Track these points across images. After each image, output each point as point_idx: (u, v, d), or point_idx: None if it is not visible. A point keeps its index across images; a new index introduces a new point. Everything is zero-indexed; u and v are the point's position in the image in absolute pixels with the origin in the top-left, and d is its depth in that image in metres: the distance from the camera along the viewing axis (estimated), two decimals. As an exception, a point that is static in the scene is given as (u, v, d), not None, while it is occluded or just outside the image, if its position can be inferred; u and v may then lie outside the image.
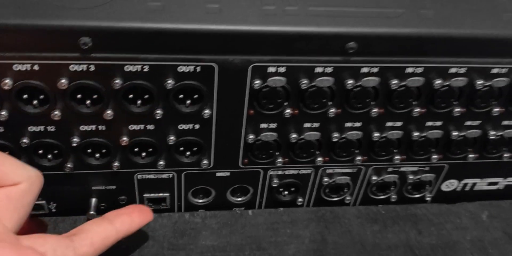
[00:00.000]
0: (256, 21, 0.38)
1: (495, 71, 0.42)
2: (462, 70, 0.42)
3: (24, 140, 0.41)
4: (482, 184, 0.54)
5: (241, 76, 0.40)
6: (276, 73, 0.40)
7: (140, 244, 0.46)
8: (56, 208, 0.48)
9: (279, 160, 0.47)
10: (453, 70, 0.42)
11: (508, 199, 0.56)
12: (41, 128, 0.41)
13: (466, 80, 0.42)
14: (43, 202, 0.47)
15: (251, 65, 0.39)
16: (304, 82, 0.40)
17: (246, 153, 0.46)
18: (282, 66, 0.39)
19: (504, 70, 0.42)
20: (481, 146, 0.49)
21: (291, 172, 0.49)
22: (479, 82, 0.43)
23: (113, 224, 0.39)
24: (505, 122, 0.47)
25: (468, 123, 0.47)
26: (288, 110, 0.42)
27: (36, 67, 0.37)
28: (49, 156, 0.43)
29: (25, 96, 0.38)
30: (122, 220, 0.40)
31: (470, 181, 0.54)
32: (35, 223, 0.46)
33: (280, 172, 0.48)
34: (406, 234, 0.50)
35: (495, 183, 0.55)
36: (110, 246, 0.39)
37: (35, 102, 0.39)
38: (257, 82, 0.40)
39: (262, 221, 0.50)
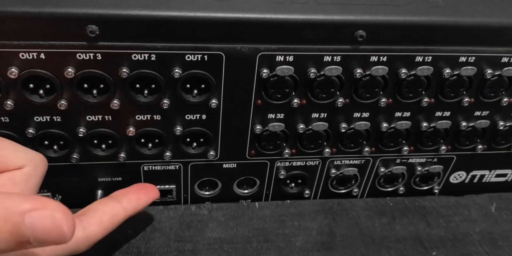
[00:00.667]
0: (264, 9, 0.37)
1: (505, 60, 0.42)
2: (472, 59, 0.42)
3: (30, 131, 0.41)
4: (490, 176, 0.54)
5: (249, 65, 0.39)
6: (284, 62, 0.39)
7: (147, 236, 0.45)
8: (62, 200, 0.48)
9: (286, 151, 0.46)
10: (462, 59, 0.41)
11: (516, 191, 0.55)
12: (47, 118, 0.40)
13: (476, 69, 0.42)
14: (49, 194, 0.47)
15: (259, 54, 0.39)
16: (313, 71, 0.40)
17: (253, 144, 0.46)
18: (290, 55, 0.39)
19: (514, 59, 0.42)
20: (490, 137, 0.49)
21: (298, 163, 0.48)
22: (489, 71, 0.42)
23: (121, 203, 0.39)
24: (515, 113, 0.47)
25: (477, 113, 0.46)
26: (296, 100, 0.42)
27: (42, 56, 0.36)
28: (55, 147, 0.43)
29: (31, 85, 0.38)
30: (129, 198, 0.40)
31: (478, 172, 0.53)
32: None
33: (287, 164, 0.48)
34: (415, 226, 0.49)
35: (504, 175, 0.54)
36: (119, 224, 0.39)
37: (41, 91, 0.38)
38: (265, 71, 0.39)
39: (269, 213, 0.49)
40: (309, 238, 0.47)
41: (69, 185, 0.46)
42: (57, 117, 0.41)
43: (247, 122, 0.44)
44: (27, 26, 0.35)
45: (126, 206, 0.39)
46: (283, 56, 0.39)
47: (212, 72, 0.39)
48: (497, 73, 0.43)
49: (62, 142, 0.43)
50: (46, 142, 0.42)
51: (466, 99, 0.44)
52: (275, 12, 0.37)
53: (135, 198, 0.41)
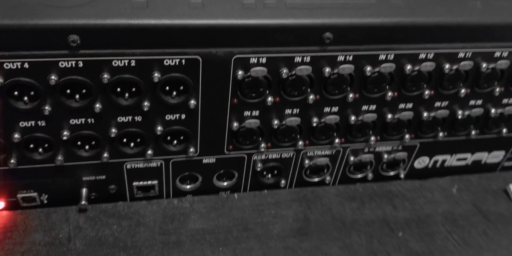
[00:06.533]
0: (237, 15, 0.39)
1: (461, 55, 0.45)
2: (431, 56, 0.45)
3: (16, 136, 0.42)
4: (451, 160, 0.58)
5: (224, 67, 0.42)
6: (258, 64, 0.42)
7: (132, 230, 0.48)
8: (48, 200, 0.49)
9: (262, 145, 0.49)
10: (422, 56, 0.45)
11: (476, 173, 0.59)
12: (32, 123, 0.42)
13: (435, 65, 0.45)
14: (35, 194, 0.48)
15: (234, 57, 0.41)
16: (285, 72, 0.42)
17: (230, 140, 0.48)
18: (263, 57, 0.41)
19: (469, 54, 0.45)
20: (449, 125, 0.52)
21: (274, 156, 0.51)
22: (447, 66, 0.45)
23: None
24: (472, 102, 0.51)
25: (437, 104, 0.50)
26: (269, 98, 0.44)
27: (26, 65, 0.38)
28: (40, 150, 0.44)
29: (16, 93, 0.39)
30: None
31: (440, 157, 0.57)
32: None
33: (263, 157, 0.51)
34: (382, 210, 0.53)
35: (464, 159, 0.58)
36: None
37: (25, 98, 0.40)
38: (240, 73, 0.42)
39: (248, 204, 0.52)
40: (285, 225, 0.50)
41: (54, 185, 0.48)
42: (42, 121, 0.42)
43: (224, 120, 0.46)
44: (10, 38, 0.36)
45: None
46: (256, 58, 0.41)
47: (190, 75, 0.41)
48: (454, 67, 0.46)
49: (46, 145, 0.44)
50: (31, 146, 0.44)
51: (426, 92, 0.47)
52: (248, 18, 0.39)
53: None
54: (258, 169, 0.51)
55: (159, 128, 0.44)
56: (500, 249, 0.49)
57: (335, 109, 0.47)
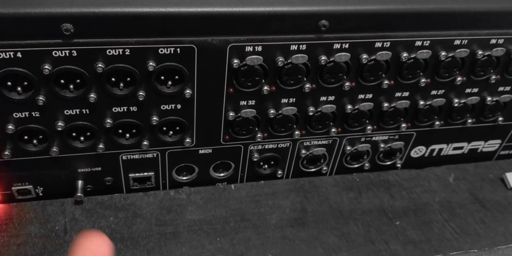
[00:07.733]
0: (233, 2, 0.39)
1: (457, 42, 0.45)
2: (427, 43, 0.45)
3: (10, 127, 0.41)
4: (448, 149, 0.58)
5: (220, 56, 0.41)
6: (254, 52, 0.41)
7: (129, 222, 0.47)
8: (43, 192, 0.49)
9: (258, 135, 0.49)
10: (418, 43, 0.44)
11: (472, 162, 0.60)
12: (26, 114, 0.41)
13: (431, 52, 0.45)
14: (30, 186, 0.48)
15: (229, 45, 0.41)
16: (280, 60, 0.42)
17: (227, 130, 0.48)
18: (259, 45, 0.41)
19: (465, 42, 0.45)
20: (446, 113, 0.52)
21: (271, 146, 0.51)
22: (443, 53, 0.45)
23: None
24: (468, 90, 0.51)
25: (434, 92, 0.50)
26: (265, 87, 0.44)
27: (19, 55, 0.37)
28: (35, 141, 0.44)
29: (9, 83, 0.39)
30: None
31: (437, 146, 0.57)
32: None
33: (260, 147, 0.51)
34: (380, 199, 0.53)
35: (461, 148, 0.58)
36: None
37: (19, 88, 0.39)
38: (236, 61, 0.41)
39: (245, 194, 0.52)
40: (282, 215, 0.50)
41: (50, 177, 0.48)
42: (36, 112, 0.42)
43: (220, 110, 0.46)
44: (3, 27, 0.36)
45: None
46: (252, 47, 0.41)
47: (185, 64, 0.41)
48: (450, 54, 0.46)
49: (41, 137, 0.44)
50: (25, 137, 0.43)
51: (422, 80, 0.47)
52: (243, 5, 0.39)
53: None
54: (255, 160, 0.51)
55: (154, 118, 0.44)
56: (497, 236, 0.49)
57: (331, 98, 0.47)
